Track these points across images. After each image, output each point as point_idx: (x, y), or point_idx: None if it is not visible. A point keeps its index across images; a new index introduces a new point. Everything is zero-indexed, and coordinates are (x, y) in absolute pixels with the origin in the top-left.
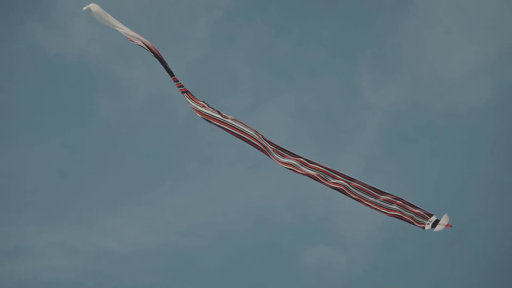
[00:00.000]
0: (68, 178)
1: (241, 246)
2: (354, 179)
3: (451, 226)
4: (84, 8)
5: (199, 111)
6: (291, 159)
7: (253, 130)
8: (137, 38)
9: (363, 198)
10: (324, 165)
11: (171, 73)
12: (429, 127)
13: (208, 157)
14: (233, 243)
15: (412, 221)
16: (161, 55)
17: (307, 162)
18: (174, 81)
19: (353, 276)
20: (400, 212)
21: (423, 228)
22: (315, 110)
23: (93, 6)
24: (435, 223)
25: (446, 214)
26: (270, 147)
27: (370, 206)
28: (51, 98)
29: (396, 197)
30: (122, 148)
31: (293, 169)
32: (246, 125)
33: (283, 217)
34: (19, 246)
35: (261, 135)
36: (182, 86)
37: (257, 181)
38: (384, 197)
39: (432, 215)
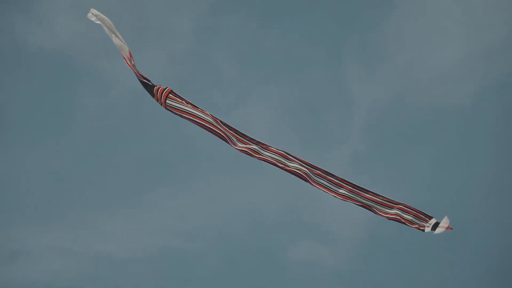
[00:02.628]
0: (64, 181)
1: (239, 249)
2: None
3: (451, 229)
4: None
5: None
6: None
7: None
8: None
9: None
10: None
11: (152, 94)
12: (415, 123)
13: (206, 159)
14: (232, 246)
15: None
16: (144, 77)
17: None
18: (156, 100)
19: (352, 278)
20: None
21: (423, 230)
22: (299, 104)
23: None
24: (435, 225)
25: (446, 216)
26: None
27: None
28: (34, 94)
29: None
30: (114, 147)
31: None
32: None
33: (281, 219)
34: (15, 249)
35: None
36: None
37: (256, 183)
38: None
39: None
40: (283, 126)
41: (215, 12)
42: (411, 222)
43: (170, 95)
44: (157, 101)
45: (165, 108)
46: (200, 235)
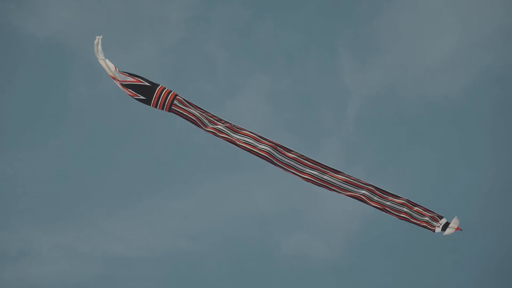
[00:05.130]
0: (70, 181)
1: (244, 250)
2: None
3: (461, 230)
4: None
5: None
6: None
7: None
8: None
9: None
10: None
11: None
12: (409, 115)
13: (214, 160)
14: (238, 248)
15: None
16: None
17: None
18: (154, 106)
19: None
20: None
21: (433, 231)
22: (293, 95)
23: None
24: (445, 226)
25: (456, 217)
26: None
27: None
28: (27, 85)
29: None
30: (120, 147)
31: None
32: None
33: (287, 222)
34: (22, 250)
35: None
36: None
37: (262, 185)
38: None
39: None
40: (276, 117)
41: (207, 2)
42: (409, 216)
43: (176, 99)
44: (156, 105)
45: (169, 111)
46: (206, 237)
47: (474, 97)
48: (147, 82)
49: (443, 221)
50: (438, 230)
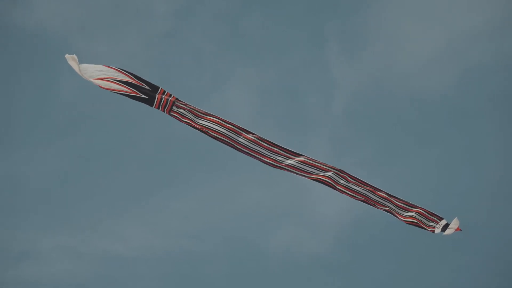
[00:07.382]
0: (72, 182)
1: (245, 251)
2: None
3: (461, 230)
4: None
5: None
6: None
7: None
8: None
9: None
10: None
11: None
12: (396, 108)
13: (213, 161)
14: (238, 248)
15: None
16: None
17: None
18: (156, 107)
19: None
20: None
21: (433, 231)
22: (280, 88)
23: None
24: (445, 226)
25: (456, 218)
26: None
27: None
28: (26, 84)
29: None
30: (120, 147)
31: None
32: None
33: (285, 221)
34: (24, 250)
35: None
36: (171, 106)
37: (261, 185)
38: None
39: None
40: (263, 110)
41: None
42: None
43: (176, 103)
44: (158, 106)
45: (169, 114)
46: (207, 237)
47: (464, 91)
48: (146, 84)
49: (443, 222)
50: (437, 231)
